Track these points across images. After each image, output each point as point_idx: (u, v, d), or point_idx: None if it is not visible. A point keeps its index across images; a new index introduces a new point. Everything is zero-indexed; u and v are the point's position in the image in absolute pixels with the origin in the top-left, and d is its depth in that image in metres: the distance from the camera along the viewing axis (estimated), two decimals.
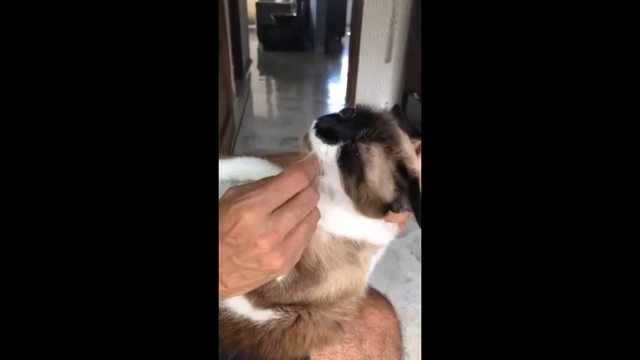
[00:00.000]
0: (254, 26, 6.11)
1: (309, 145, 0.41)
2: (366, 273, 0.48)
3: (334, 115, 0.44)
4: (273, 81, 4.62)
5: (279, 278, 0.43)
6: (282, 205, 0.34)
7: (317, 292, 0.45)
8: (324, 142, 0.40)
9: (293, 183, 0.34)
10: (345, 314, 0.48)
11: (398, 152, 0.41)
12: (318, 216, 0.38)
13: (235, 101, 3.45)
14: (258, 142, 2.79)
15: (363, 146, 0.40)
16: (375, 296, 0.57)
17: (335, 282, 0.45)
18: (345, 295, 0.47)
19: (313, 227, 0.37)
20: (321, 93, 4.36)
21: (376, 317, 0.54)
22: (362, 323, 0.52)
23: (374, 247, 0.47)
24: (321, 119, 0.42)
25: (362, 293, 0.50)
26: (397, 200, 0.41)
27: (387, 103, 2.99)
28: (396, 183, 0.41)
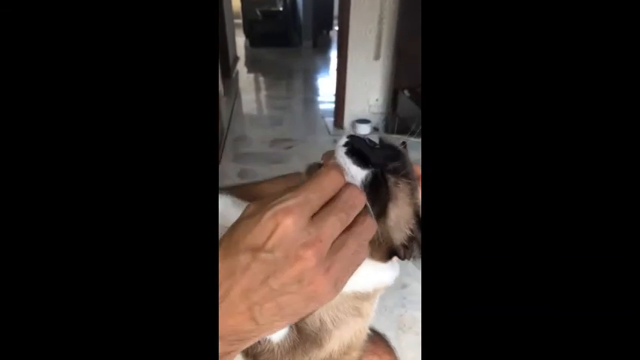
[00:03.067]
0: (239, 21, 6.00)
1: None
2: (369, 320, 0.45)
3: (363, 139, 0.40)
4: (261, 79, 4.55)
5: (275, 340, 0.39)
6: (323, 207, 0.29)
7: (319, 356, 0.41)
8: (354, 162, 0.36)
9: (331, 181, 0.29)
10: None
11: (417, 198, 0.38)
12: (373, 228, 0.31)
13: (223, 101, 3.38)
14: (248, 145, 2.74)
15: (392, 179, 0.37)
16: (374, 339, 0.55)
17: (339, 340, 0.41)
18: (347, 350, 0.44)
19: (365, 244, 0.30)
20: (310, 90, 4.30)
21: (377, 356, 0.51)
22: None
23: (380, 290, 0.44)
24: (353, 138, 0.38)
25: (363, 342, 0.47)
26: (407, 247, 0.38)
27: (377, 100, 2.96)
28: (411, 229, 0.38)
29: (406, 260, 0.40)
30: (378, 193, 0.35)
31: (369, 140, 0.39)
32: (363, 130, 2.91)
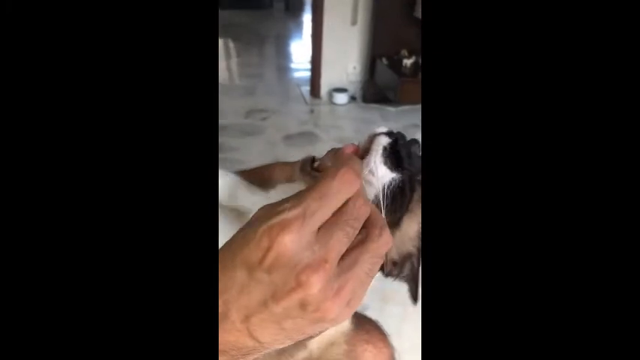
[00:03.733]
0: None
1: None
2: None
3: (411, 141, 0.35)
4: (231, 44, 4.33)
5: None
6: (328, 220, 0.25)
7: (301, 355, 0.40)
8: (386, 162, 0.32)
9: (342, 187, 0.25)
10: None
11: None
12: (389, 244, 0.27)
13: None
14: (222, 117, 2.63)
15: (418, 192, 0.33)
16: (368, 328, 0.54)
17: (318, 338, 0.40)
18: (329, 347, 0.43)
19: (379, 261, 0.26)
20: (283, 57, 4.15)
21: (371, 354, 0.50)
22: None
23: None
24: (400, 135, 0.34)
25: (343, 335, 0.46)
26: (396, 264, 0.36)
27: (354, 68, 2.88)
28: (413, 247, 0.36)
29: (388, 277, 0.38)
30: (398, 202, 0.32)
31: (415, 143, 0.35)
32: (341, 99, 2.85)
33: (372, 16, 2.66)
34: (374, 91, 2.80)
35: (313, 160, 0.36)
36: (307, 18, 4.92)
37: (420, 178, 0.33)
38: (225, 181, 0.43)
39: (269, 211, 0.25)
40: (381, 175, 0.31)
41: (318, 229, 0.24)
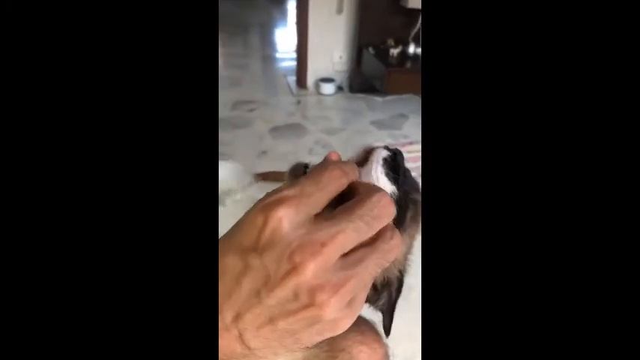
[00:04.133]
0: None
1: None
2: None
3: (403, 159, 0.35)
4: None
5: None
6: (339, 209, 0.23)
7: None
8: (387, 174, 0.31)
9: (331, 177, 0.24)
10: None
11: (412, 246, 0.35)
12: (399, 249, 0.24)
13: None
14: None
15: (412, 211, 0.33)
16: (362, 329, 0.55)
17: None
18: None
19: (385, 266, 0.24)
20: (268, 46, 4.08)
21: (366, 355, 0.51)
22: None
23: None
24: (398, 151, 0.33)
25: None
26: (378, 292, 0.35)
27: (340, 57, 2.86)
28: (399, 271, 0.35)
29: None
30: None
31: (404, 164, 0.35)
32: (328, 89, 2.84)
33: (358, 4, 2.63)
34: (361, 80, 2.79)
35: (305, 167, 0.35)
36: (292, 6, 4.84)
37: (412, 197, 0.34)
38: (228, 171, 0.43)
39: (266, 195, 0.23)
40: (382, 185, 0.31)
41: (326, 218, 0.22)
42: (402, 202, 0.33)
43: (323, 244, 0.21)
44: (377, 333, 0.56)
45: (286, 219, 0.21)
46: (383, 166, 0.31)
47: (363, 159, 0.33)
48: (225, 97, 2.72)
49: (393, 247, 0.24)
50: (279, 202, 0.22)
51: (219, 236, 0.24)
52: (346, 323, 0.23)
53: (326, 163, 0.25)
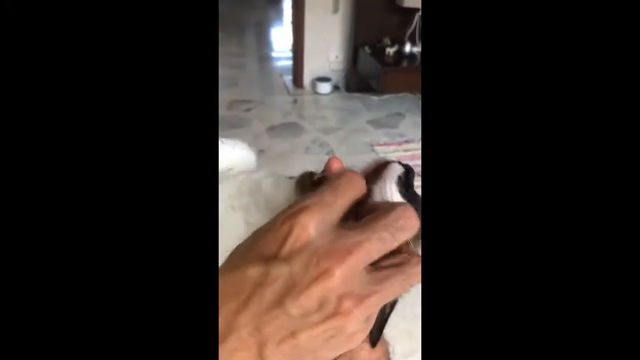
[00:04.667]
0: None
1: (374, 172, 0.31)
2: None
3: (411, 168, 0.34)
4: None
5: None
6: (364, 219, 0.23)
7: None
8: (400, 191, 0.30)
9: (350, 183, 0.24)
10: None
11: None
12: (419, 277, 0.24)
13: None
14: None
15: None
16: None
17: None
18: None
19: (410, 286, 0.24)
20: (265, 45, 4.08)
21: (366, 352, 0.51)
22: None
23: None
24: (410, 168, 0.33)
25: None
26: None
27: (336, 57, 2.86)
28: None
29: None
30: None
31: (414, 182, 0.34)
32: (324, 89, 2.84)
33: (353, 4, 2.63)
34: (357, 79, 2.79)
35: (311, 175, 0.35)
36: (287, 5, 4.83)
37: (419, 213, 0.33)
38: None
39: (288, 206, 0.23)
40: (396, 201, 0.30)
41: (350, 227, 0.22)
42: None
43: (349, 251, 0.21)
44: None
45: (312, 226, 0.21)
46: (397, 184, 0.30)
47: (374, 172, 0.32)
48: (222, 96, 2.72)
49: (417, 273, 0.24)
50: (303, 210, 0.21)
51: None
52: (361, 338, 0.23)
53: (342, 171, 0.25)
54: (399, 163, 0.32)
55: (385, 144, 2.28)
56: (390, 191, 0.29)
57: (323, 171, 0.32)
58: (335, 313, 0.20)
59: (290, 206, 0.23)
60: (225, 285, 0.22)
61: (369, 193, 0.27)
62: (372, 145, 2.28)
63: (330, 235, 0.21)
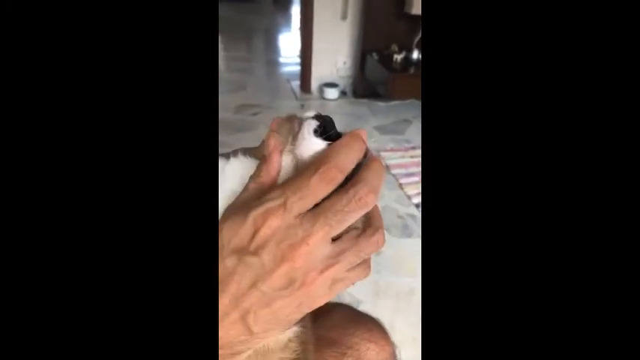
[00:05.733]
0: None
1: (291, 135, 0.30)
2: None
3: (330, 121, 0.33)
4: (219, 38, 4.27)
5: None
6: (320, 205, 0.26)
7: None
8: (321, 139, 0.29)
9: (321, 184, 0.26)
10: None
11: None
12: (378, 246, 0.28)
13: None
14: None
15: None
16: (370, 326, 0.55)
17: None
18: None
19: (366, 255, 0.28)
20: (272, 51, 4.11)
21: (374, 352, 0.51)
22: None
23: None
24: (324, 117, 0.31)
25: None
26: None
27: (344, 63, 2.88)
28: None
29: None
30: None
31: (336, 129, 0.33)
32: (332, 94, 2.85)
33: (362, 10, 2.65)
34: (364, 86, 2.80)
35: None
36: (295, 11, 4.87)
37: None
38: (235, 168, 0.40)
39: (255, 200, 0.27)
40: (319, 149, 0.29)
41: (313, 214, 0.26)
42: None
43: (307, 243, 0.25)
44: (384, 331, 0.56)
45: (276, 227, 0.26)
46: (315, 135, 0.30)
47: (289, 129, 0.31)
48: (229, 100, 2.74)
49: (373, 243, 0.28)
50: (268, 214, 0.26)
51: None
52: (326, 300, 0.28)
53: (317, 165, 0.26)
54: (315, 117, 0.31)
55: (392, 150, 2.28)
56: (311, 144, 0.29)
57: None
58: (301, 285, 0.26)
59: (257, 204, 0.26)
60: None
61: (294, 155, 0.29)
62: (378, 151, 2.28)
63: (293, 227, 0.26)
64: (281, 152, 0.30)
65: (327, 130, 0.30)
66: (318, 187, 0.26)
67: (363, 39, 2.70)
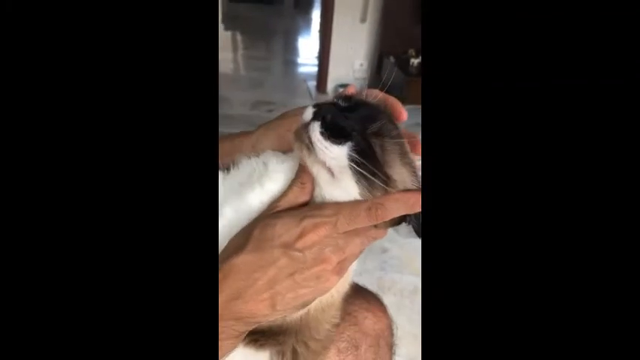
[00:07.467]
0: None
1: (307, 146, 0.34)
2: (348, 278, 0.44)
3: (333, 104, 0.36)
4: (239, 37, 4.34)
5: None
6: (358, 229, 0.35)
7: (297, 315, 0.40)
8: (333, 141, 0.33)
9: (367, 220, 0.34)
10: (331, 329, 0.45)
11: (410, 158, 0.37)
12: (383, 235, 0.37)
13: None
14: (228, 107, 2.65)
15: (377, 143, 0.34)
16: (369, 298, 0.56)
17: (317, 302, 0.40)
18: (326, 308, 0.43)
19: (372, 241, 0.37)
20: (291, 51, 4.16)
21: (370, 321, 0.52)
22: (357, 329, 0.51)
23: None
24: (321, 108, 0.34)
25: (342, 301, 0.46)
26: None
27: (361, 65, 2.90)
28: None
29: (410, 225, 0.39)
30: (371, 161, 0.33)
31: (341, 100, 0.37)
32: None
33: (381, 14, 2.68)
34: (379, 88, 2.81)
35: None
36: (316, 15, 4.93)
37: (371, 130, 0.35)
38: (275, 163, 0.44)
39: (313, 208, 0.35)
40: (336, 154, 0.35)
41: (343, 236, 0.34)
42: (364, 147, 0.33)
43: (344, 252, 0.34)
44: (382, 304, 0.57)
45: (323, 236, 0.33)
46: (325, 137, 0.33)
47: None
48: (246, 97, 2.78)
49: (376, 235, 0.36)
50: (319, 226, 0.33)
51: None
52: (334, 285, 0.36)
53: (371, 203, 0.35)
54: (315, 116, 0.35)
55: None
56: (326, 149, 0.34)
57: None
58: (325, 281, 0.34)
59: (313, 214, 0.34)
60: (254, 261, 0.33)
61: (321, 163, 0.35)
62: None
63: (336, 239, 0.34)
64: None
65: (330, 124, 0.33)
66: (364, 221, 0.34)
67: (381, 42, 2.72)
